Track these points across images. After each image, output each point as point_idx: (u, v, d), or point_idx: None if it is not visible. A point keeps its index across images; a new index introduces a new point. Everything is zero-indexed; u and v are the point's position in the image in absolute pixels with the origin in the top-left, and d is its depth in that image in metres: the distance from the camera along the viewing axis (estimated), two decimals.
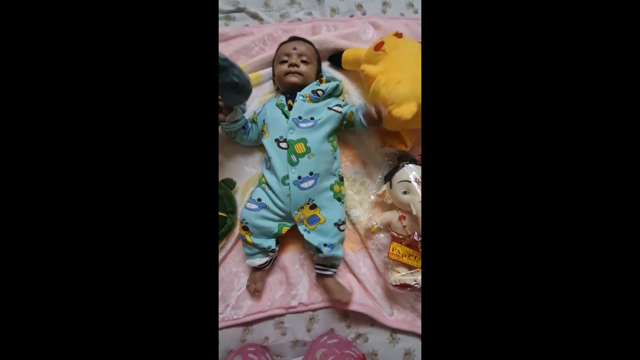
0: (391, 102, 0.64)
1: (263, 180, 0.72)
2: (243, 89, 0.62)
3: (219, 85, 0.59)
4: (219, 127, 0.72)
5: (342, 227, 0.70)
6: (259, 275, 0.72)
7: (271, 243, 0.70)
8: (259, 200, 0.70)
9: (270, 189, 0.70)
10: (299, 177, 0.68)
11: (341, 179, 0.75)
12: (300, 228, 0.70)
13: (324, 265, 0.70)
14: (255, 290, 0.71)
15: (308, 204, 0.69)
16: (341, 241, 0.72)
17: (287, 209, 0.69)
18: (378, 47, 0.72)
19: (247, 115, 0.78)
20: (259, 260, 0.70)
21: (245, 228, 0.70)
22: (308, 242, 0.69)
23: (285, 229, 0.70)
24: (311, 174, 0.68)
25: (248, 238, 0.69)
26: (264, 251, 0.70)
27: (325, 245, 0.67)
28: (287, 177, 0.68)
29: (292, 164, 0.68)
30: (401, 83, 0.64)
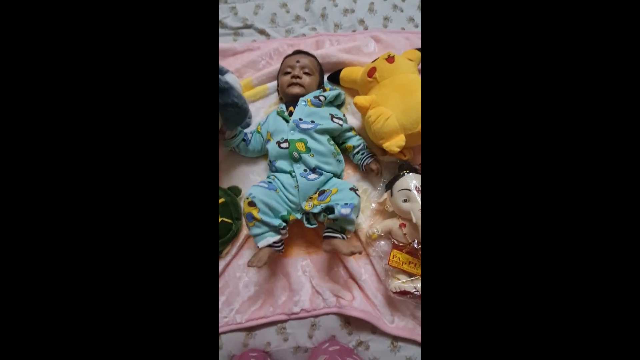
0: (381, 137, 0.71)
1: (272, 176, 0.74)
2: (243, 109, 0.67)
3: (221, 107, 0.63)
4: (223, 145, 0.76)
5: (358, 193, 0.69)
6: (267, 251, 0.65)
7: (280, 222, 0.67)
8: (270, 182, 0.71)
9: (279, 180, 0.71)
10: (305, 170, 0.70)
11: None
12: (316, 210, 0.66)
13: (334, 228, 0.67)
14: (259, 264, 0.63)
15: (316, 193, 0.70)
16: (357, 206, 0.66)
17: (296, 200, 0.70)
18: (371, 73, 0.76)
19: (252, 126, 0.81)
20: (272, 238, 0.65)
21: (252, 204, 0.65)
22: (327, 207, 0.64)
23: (293, 217, 0.69)
24: (315, 170, 0.70)
25: (255, 214, 0.64)
26: (275, 229, 0.66)
27: (346, 204, 0.63)
28: (292, 171, 0.70)
29: (295, 160, 0.71)
30: (390, 119, 0.70)
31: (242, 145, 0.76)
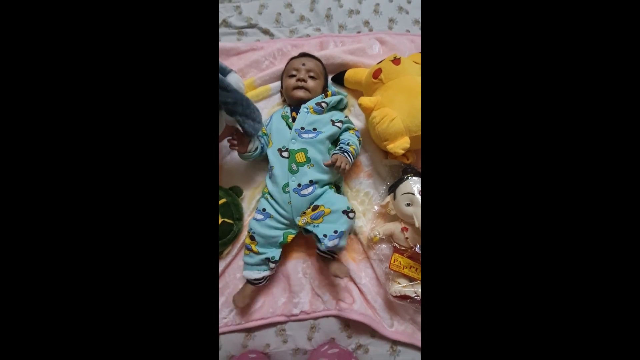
0: (385, 138, 0.71)
1: (265, 190, 0.75)
2: (256, 120, 0.65)
3: (237, 118, 0.62)
4: (241, 157, 0.74)
5: (351, 215, 0.69)
6: (249, 291, 0.71)
7: (276, 254, 0.70)
8: (264, 210, 0.72)
9: (273, 198, 0.72)
10: (299, 185, 0.70)
11: (337, 187, 0.76)
12: (309, 227, 0.69)
13: (324, 252, 0.70)
14: (241, 305, 0.69)
15: (309, 207, 0.70)
16: (350, 230, 0.70)
17: (289, 216, 0.71)
18: (376, 74, 0.76)
19: None
20: (257, 274, 0.70)
21: (252, 237, 0.71)
22: (316, 235, 0.67)
23: (290, 237, 0.71)
24: (311, 182, 0.70)
25: (254, 247, 0.70)
26: (266, 262, 0.70)
27: (335, 232, 0.65)
28: (287, 184, 0.70)
29: (292, 172, 0.70)
30: (395, 120, 0.69)
31: (258, 153, 0.74)
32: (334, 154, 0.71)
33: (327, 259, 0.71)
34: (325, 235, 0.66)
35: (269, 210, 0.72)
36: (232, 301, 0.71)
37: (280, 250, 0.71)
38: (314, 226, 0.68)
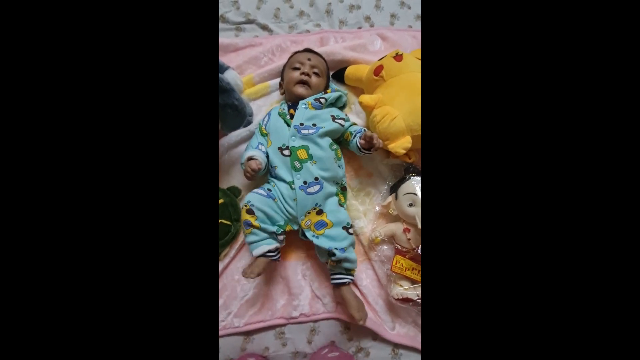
0: (386, 137, 0.69)
1: (272, 183, 0.72)
2: (242, 112, 0.66)
3: (220, 107, 0.62)
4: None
5: (350, 231, 0.68)
6: (262, 263, 0.64)
7: (278, 228, 0.67)
8: (269, 190, 0.69)
9: (279, 189, 0.69)
10: (305, 182, 0.68)
11: (343, 188, 0.75)
12: (309, 234, 0.67)
13: (339, 272, 0.67)
14: (253, 276, 0.63)
15: (314, 209, 0.68)
16: (352, 245, 0.68)
17: (294, 212, 0.68)
18: (377, 71, 0.74)
19: (254, 126, 0.79)
20: (267, 246, 0.64)
21: (250, 211, 0.65)
22: (318, 247, 0.67)
23: (290, 228, 0.69)
24: (316, 179, 0.68)
25: (253, 222, 0.65)
26: (272, 235, 0.66)
27: (336, 249, 0.65)
28: (292, 182, 0.68)
29: (296, 169, 0.68)
30: (396, 119, 0.67)
31: (265, 166, 0.71)
32: (362, 137, 0.68)
33: (343, 284, 0.66)
34: (336, 249, 0.64)
35: (275, 193, 0.69)
36: (242, 275, 0.64)
37: (282, 229, 0.68)
38: (314, 236, 0.67)
